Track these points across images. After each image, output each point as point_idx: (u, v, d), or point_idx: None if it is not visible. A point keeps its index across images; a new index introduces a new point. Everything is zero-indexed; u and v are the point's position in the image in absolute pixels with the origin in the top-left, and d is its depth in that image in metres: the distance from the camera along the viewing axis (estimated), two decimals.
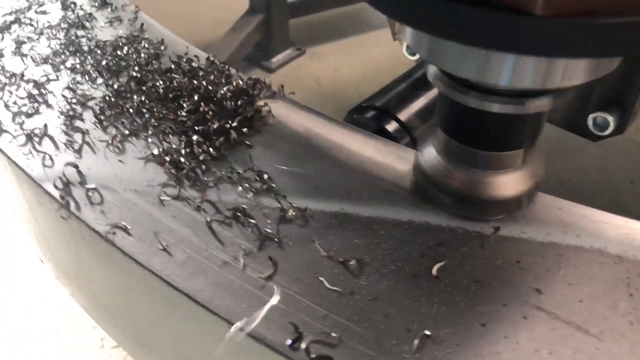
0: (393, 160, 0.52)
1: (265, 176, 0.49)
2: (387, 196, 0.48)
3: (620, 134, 1.04)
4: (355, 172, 0.51)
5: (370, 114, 0.84)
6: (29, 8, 0.73)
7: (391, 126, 0.82)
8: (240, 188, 0.49)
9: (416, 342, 0.38)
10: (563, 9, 0.31)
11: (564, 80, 0.37)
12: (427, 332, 0.38)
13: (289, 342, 0.38)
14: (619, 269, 0.42)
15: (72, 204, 0.48)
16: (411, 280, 0.42)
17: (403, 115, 0.82)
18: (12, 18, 0.71)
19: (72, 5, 0.73)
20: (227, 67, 0.60)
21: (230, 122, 0.53)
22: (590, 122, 1.02)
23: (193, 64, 0.61)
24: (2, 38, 0.68)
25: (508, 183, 0.45)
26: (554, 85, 0.38)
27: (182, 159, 0.50)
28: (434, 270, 0.42)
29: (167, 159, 0.51)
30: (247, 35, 1.80)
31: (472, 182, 0.45)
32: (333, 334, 0.38)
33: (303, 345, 0.38)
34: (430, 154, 0.47)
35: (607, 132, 1.02)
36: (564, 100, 0.42)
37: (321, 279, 0.42)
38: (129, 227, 0.46)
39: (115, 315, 0.56)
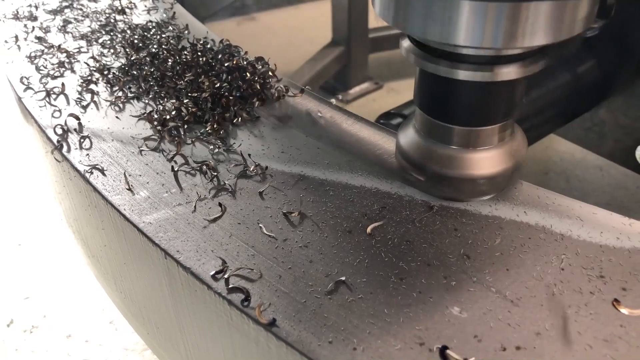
0: (382, 142, 0.53)
1: (238, 138, 0.52)
2: (348, 165, 0.50)
3: None
4: (336, 148, 0.52)
5: (396, 121, 0.86)
6: None
7: None
8: (212, 147, 0.52)
9: (330, 285, 0.39)
10: None
11: (526, 39, 0.37)
12: (343, 278, 0.39)
13: (212, 272, 0.40)
14: (558, 245, 0.41)
15: (65, 148, 0.53)
16: (345, 235, 0.43)
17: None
18: (66, 3, 0.80)
19: None
20: (236, 47, 0.65)
21: (224, 92, 0.57)
22: (638, 154, 0.98)
23: (207, 46, 0.66)
24: (54, 18, 0.77)
25: (483, 161, 0.45)
26: (517, 45, 0.38)
27: (168, 117, 0.54)
28: (369, 229, 0.43)
29: (156, 117, 0.55)
30: (326, 65, 1.87)
31: (447, 160, 0.45)
32: (255, 271, 0.40)
33: (225, 276, 0.40)
34: (408, 133, 0.48)
35: None
36: (532, 69, 0.41)
37: (260, 225, 0.44)
38: (105, 169, 0.50)
39: (98, 259, 0.60)
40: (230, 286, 0.39)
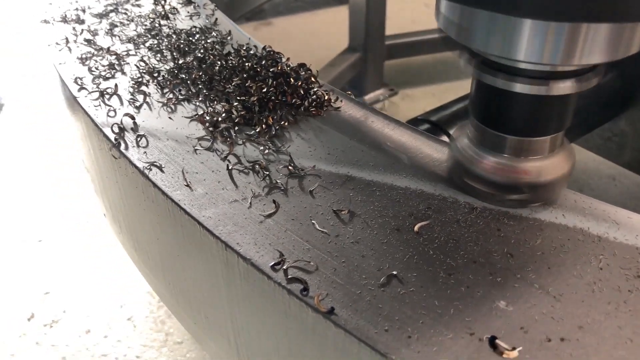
0: (423, 146, 0.56)
1: (286, 140, 0.55)
2: (392, 167, 0.53)
3: None
4: (380, 151, 0.55)
5: (424, 127, 0.88)
6: (127, 1, 0.86)
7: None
8: (262, 148, 0.55)
9: (383, 279, 0.42)
10: None
11: (583, 57, 0.40)
12: (394, 272, 0.42)
13: (271, 263, 0.43)
14: (595, 246, 0.44)
15: (123, 145, 0.56)
16: (394, 233, 0.46)
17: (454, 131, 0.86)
18: (111, 7, 0.83)
19: (162, 1, 0.85)
20: (278, 54, 0.68)
21: (270, 97, 0.60)
22: None
23: (250, 52, 0.69)
24: (100, 22, 0.80)
25: (535, 170, 0.47)
26: (574, 62, 0.41)
27: (220, 119, 0.57)
28: (416, 227, 0.46)
29: (208, 118, 0.58)
30: (342, 71, 1.90)
31: (499, 168, 0.47)
32: (311, 263, 0.43)
33: (284, 267, 0.43)
34: (462, 141, 0.51)
35: None
36: (586, 85, 0.44)
37: (313, 221, 0.47)
38: (162, 166, 0.53)
39: (147, 253, 0.63)
40: (289, 277, 0.42)
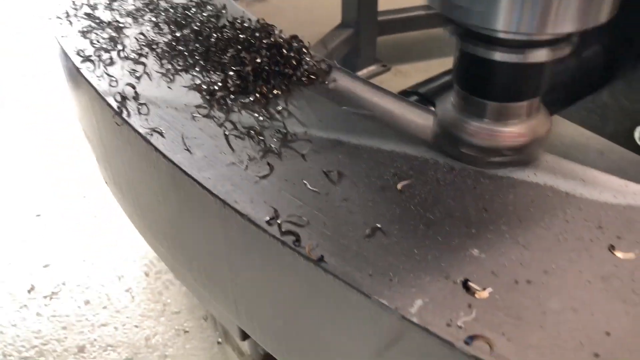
0: (409, 113, 0.60)
1: (279, 108, 0.59)
2: (379, 132, 0.56)
3: None
4: (368, 117, 0.59)
5: (412, 99, 0.92)
6: None
7: None
8: (256, 115, 0.59)
9: (368, 231, 0.46)
10: None
11: (556, 27, 0.43)
12: (379, 225, 0.46)
13: (267, 218, 0.47)
14: (563, 201, 0.48)
15: (125, 113, 0.60)
16: (379, 191, 0.50)
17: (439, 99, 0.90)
18: None
19: None
20: (272, 26, 0.71)
21: (264, 67, 0.63)
22: (637, 135, 1.05)
23: (245, 24, 0.72)
24: None
25: (513, 134, 0.51)
26: (547, 32, 0.44)
27: (216, 88, 0.61)
28: (399, 186, 0.50)
29: (205, 87, 0.61)
30: (334, 47, 1.92)
31: (480, 132, 0.51)
32: (303, 218, 0.47)
33: (278, 222, 0.47)
34: (445, 107, 0.54)
35: None
36: (560, 53, 0.47)
37: (305, 181, 0.51)
38: (163, 132, 0.57)
39: (147, 213, 0.67)
40: (283, 230, 0.46)
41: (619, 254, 0.43)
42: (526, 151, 0.52)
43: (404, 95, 0.94)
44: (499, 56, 0.47)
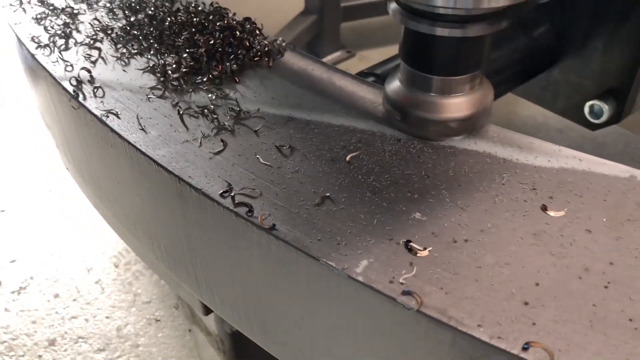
0: (357, 90, 0.62)
1: (232, 87, 0.61)
2: (329, 108, 0.59)
3: (615, 123, 1.11)
4: (319, 94, 0.61)
5: (369, 80, 0.94)
6: None
7: None
8: (210, 95, 0.60)
9: (317, 199, 0.48)
10: None
11: (491, 2, 0.46)
12: (327, 194, 0.48)
13: (220, 191, 0.49)
14: (500, 167, 0.51)
15: (81, 96, 0.61)
16: (329, 162, 0.52)
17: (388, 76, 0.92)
18: None
19: None
20: (225, 9, 0.72)
21: (218, 49, 0.65)
22: (587, 110, 1.09)
23: (199, 8, 0.74)
24: None
25: (457, 106, 0.53)
26: (483, 6, 0.47)
27: (169, 70, 0.62)
28: (348, 157, 0.52)
29: (159, 69, 0.63)
30: (298, 34, 1.93)
31: (426, 105, 0.54)
32: (256, 190, 0.49)
33: (231, 195, 0.49)
34: (394, 83, 0.57)
35: (602, 120, 1.09)
36: (496, 27, 0.50)
37: (258, 156, 0.53)
38: (119, 113, 0.58)
39: (109, 198, 0.68)
40: (236, 202, 0.48)
41: (550, 213, 0.46)
42: (470, 122, 0.54)
43: (362, 76, 0.97)
44: (440, 31, 0.50)
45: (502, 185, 0.49)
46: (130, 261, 1.37)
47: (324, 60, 2.06)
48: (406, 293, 0.40)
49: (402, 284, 0.41)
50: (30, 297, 1.28)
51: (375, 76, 0.98)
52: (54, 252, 1.39)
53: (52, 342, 1.20)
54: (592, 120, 1.10)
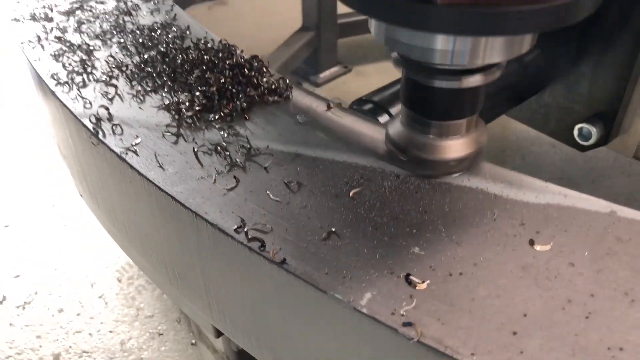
0: (359, 127, 0.66)
1: (243, 124, 0.65)
2: (333, 144, 0.63)
3: (603, 145, 1.15)
4: (323, 131, 0.65)
5: (368, 107, 0.98)
6: None
7: (383, 118, 0.96)
8: (222, 132, 0.65)
9: (324, 234, 0.52)
10: (454, 0, 0.44)
11: (485, 57, 0.50)
12: (333, 229, 0.53)
13: (234, 227, 0.53)
14: (492, 202, 0.55)
15: (100, 133, 0.65)
16: (333, 198, 0.56)
17: (394, 110, 0.96)
18: (77, 5, 0.91)
19: None
20: (233, 46, 0.77)
21: (228, 87, 0.69)
22: (576, 132, 1.14)
23: (208, 45, 0.78)
24: (68, 19, 0.87)
25: (454, 147, 0.58)
26: (478, 62, 0.51)
27: (183, 109, 0.67)
28: (351, 193, 0.57)
29: (173, 107, 0.67)
30: (297, 50, 1.98)
31: (426, 146, 0.58)
32: (267, 225, 0.53)
33: (245, 230, 0.53)
34: (396, 124, 0.61)
35: (590, 143, 1.14)
36: (491, 78, 0.54)
37: (268, 192, 0.57)
38: (137, 150, 0.62)
39: (125, 227, 0.72)
40: (249, 237, 0.52)
41: (537, 247, 0.51)
42: (466, 161, 0.59)
43: (360, 103, 1.01)
44: (438, 83, 0.54)
45: (494, 221, 0.53)
46: (133, 275, 1.40)
47: (321, 75, 2.12)
48: (407, 324, 0.44)
49: (403, 315, 0.45)
50: (35, 312, 1.31)
51: (373, 103, 1.02)
52: (57, 267, 1.42)
53: (57, 357, 1.22)
54: (581, 142, 1.14)
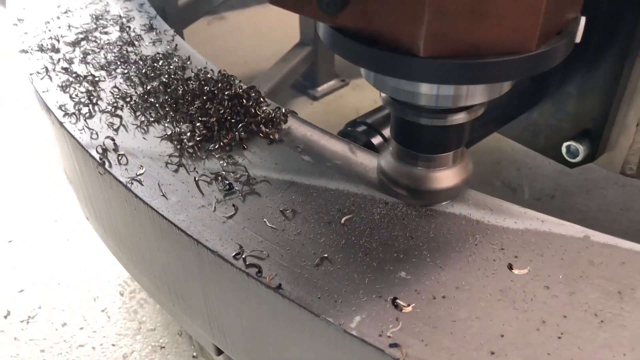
0: (350, 155, 0.70)
1: (241, 154, 0.69)
2: (326, 173, 0.67)
3: (591, 161, 1.20)
4: (316, 159, 0.69)
5: (361, 128, 1.02)
6: (96, 29, 0.97)
7: (376, 140, 1.00)
8: (221, 161, 0.69)
9: (317, 260, 0.56)
10: (436, 53, 0.47)
11: (468, 99, 0.54)
12: (326, 255, 0.57)
13: (233, 253, 0.57)
14: (474, 228, 0.59)
15: (107, 164, 0.69)
16: (326, 225, 0.60)
17: (387, 132, 1.00)
18: (82, 36, 0.95)
19: (127, 29, 0.97)
20: (232, 77, 0.81)
21: (227, 117, 0.73)
22: (564, 150, 1.18)
23: (208, 75, 0.82)
24: (74, 50, 0.92)
25: (441, 178, 0.61)
26: (461, 104, 0.54)
27: (185, 139, 0.71)
28: (343, 220, 0.61)
29: (175, 137, 0.71)
30: (295, 65, 2.02)
31: (415, 177, 0.61)
32: (264, 252, 0.57)
33: (243, 256, 0.57)
34: (386, 156, 0.64)
35: (578, 160, 1.18)
36: (474, 115, 0.58)
37: (265, 220, 0.61)
38: (142, 180, 0.66)
39: (130, 250, 0.76)
40: (247, 263, 0.56)
41: (515, 271, 0.54)
42: (453, 191, 0.62)
43: (353, 125, 1.05)
44: (424, 121, 0.57)
45: (475, 246, 0.57)
46: (135, 289, 1.43)
47: (319, 89, 2.17)
48: (393, 345, 0.48)
49: (389, 337, 0.49)
50: (39, 326, 1.33)
51: (367, 125, 1.06)
52: (60, 281, 1.45)
53: None
54: (569, 159, 1.18)
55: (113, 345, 1.30)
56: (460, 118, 0.57)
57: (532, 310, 0.51)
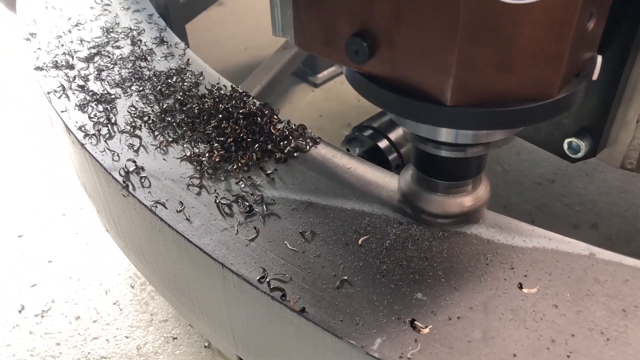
0: (365, 174, 0.73)
1: (259, 174, 0.72)
2: (341, 192, 0.70)
3: (592, 157, 1.23)
4: (332, 179, 0.72)
5: (368, 132, 1.05)
6: (108, 44, 0.99)
7: (383, 143, 1.02)
8: (240, 183, 0.71)
9: (337, 282, 0.59)
10: (462, 102, 0.50)
11: (488, 137, 0.57)
12: (345, 277, 0.60)
13: (257, 277, 0.60)
14: (485, 247, 0.62)
15: (130, 186, 0.72)
16: (344, 246, 0.63)
17: (393, 136, 1.02)
18: (95, 51, 0.97)
19: (139, 42, 0.99)
20: (244, 94, 0.83)
21: (244, 137, 0.76)
22: (565, 146, 1.21)
23: (221, 92, 0.84)
24: (88, 66, 0.94)
25: (460, 204, 0.64)
26: (481, 141, 0.57)
27: (204, 160, 0.73)
28: (360, 241, 0.64)
29: (194, 158, 0.74)
30: (295, 52, 2.03)
31: (435, 203, 0.64)
32: (286, 275, 0.60)
33: (267, 280, 0.60)
34: (407, 182, 0.67)
35: (579, 155, 1.21)
36: (494, 147, 0.60)
37: (285, 242, 0.64)
38: (165, 203, 0.69)
39: (153, 265, 0.79)
40: (272, 287, 0.59)
41: (525, 290, 0.58)
42: (471, 215, 0.65)
43: (360, 129, 1.07)
44: (444, 153, 0.60)
45: (486, 265, 0.60)
46: (145, 282, 1.45)
47: (319, 76, 2.18)
48: None
49: (409, 358, 0.52)
50: (53, 320, 1.36)
51: (373, 129, 1.08)
52: (72, 275, 1.48)
53: None
54: (570, 155, 1.21)
55: (126, 337, 1.33)
56: (479, 150, 0.59)
57: (542, 329, 0.54)
